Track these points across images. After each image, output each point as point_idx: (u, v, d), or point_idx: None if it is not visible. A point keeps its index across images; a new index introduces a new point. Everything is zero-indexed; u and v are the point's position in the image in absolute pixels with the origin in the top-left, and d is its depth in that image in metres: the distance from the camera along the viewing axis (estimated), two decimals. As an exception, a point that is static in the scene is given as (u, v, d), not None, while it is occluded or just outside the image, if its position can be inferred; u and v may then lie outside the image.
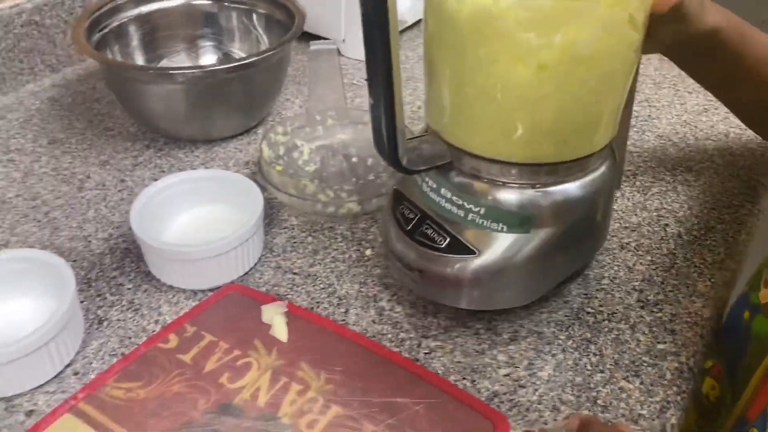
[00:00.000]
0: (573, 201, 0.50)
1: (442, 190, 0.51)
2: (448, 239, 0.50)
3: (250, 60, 0.66)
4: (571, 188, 0.49)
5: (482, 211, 0.49)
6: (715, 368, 0.59)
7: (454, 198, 0.50)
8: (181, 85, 0.67)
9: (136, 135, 0.75)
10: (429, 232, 0.51)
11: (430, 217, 0.51)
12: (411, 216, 0.53)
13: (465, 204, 0.49)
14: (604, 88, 0.45)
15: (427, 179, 0.52)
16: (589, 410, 0.47)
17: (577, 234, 0.51)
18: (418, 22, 1.00)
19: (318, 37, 0.91)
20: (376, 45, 0.42)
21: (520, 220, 0.49)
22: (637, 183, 0.69)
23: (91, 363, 0.51)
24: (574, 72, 0.43)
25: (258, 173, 0.65)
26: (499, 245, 0.49)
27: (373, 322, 0.54)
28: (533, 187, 0.49)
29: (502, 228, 0.49)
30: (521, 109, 0.45)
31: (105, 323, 0.54)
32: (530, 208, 0.49)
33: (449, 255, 0.50)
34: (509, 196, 0.49)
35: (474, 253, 0.49)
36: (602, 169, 0.51)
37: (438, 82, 0.49)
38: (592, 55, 0.43)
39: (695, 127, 0.78)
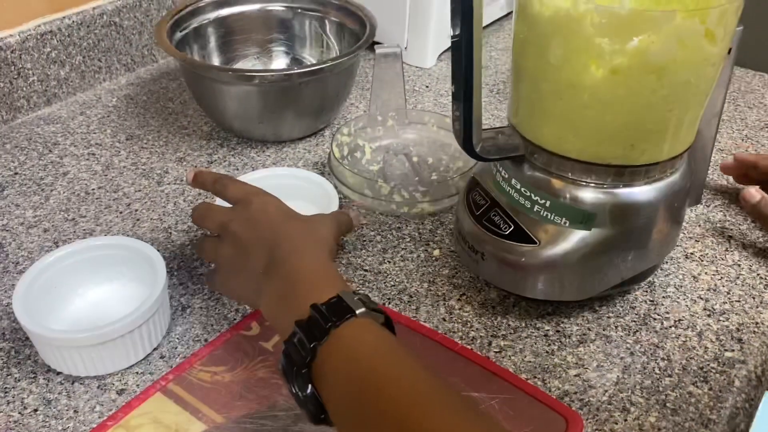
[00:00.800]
0: (637, 205, 0.51)
1: (513, 181, 0.53)
2: (512, 227, 0.53)
3: (324, 66, 0.69)
4: (637, 193, 0.51)
5: (547, 204, 0.51)
6: None
7: (523, 189, 0.52)
8: (257, 87, 0.69)
9: (210, 134, 0.78)
10: (496, 218, 0.54)
11: (499, 205, 0.54)
12: (482, 202, 0.56)
13: (532, 196, 0.52)
14: (676, 98, 0.47)
15: (501, 169, 0.55)
16: (659, 413, 0.49)
17: (639, 238, 0.53)
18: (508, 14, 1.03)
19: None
20: (461, 39, 0.46)
21: (583, 216, 0.51)
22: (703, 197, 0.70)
23: (176, 348, 0.53)
24: (645, 79, 0.45)
25: (330, 174, 0.67)
26: (560, 238, 0.51)
27: (444, 320, 0.56)
28: (599, 186, 0.51)
29: (565, 222, 0.51)
30: (592, 108, 0.47)
31: (188, 310, 0.56)
32: (593, 206, 0.51)
33: (512, 242, 0.52)
34: (575, 192, 0.51)
35: (535, 243, 0.52)
36: (672, 178, 0.52)
37: (519, 78, 0.52)
38: (665, 64, 0.44)
39: (756, 141, 0.78)
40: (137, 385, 0.50)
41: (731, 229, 0.65)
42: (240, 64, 0.82)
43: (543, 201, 0.52)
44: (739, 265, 0.61)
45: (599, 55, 0.45)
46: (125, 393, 0.50)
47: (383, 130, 0.73)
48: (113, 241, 0.56)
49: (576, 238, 0.51)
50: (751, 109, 0.84)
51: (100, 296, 0.55)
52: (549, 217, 0.52)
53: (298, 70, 0.68)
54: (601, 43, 0.44)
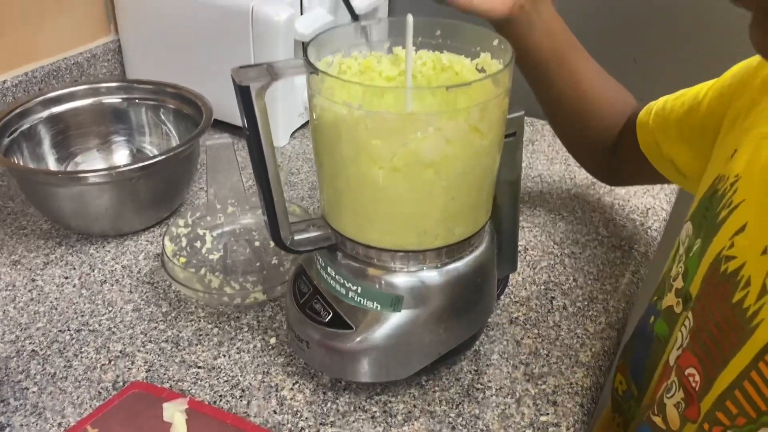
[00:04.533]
0: (440, 285, 0.54)
1: (329, 269, 0.55)
2: (331, 314, 0.55)
3: (157, 159, 0.69)
4: (438, 273, 0.54)
5: (359, 290, 0.54)
6: (623, 366, 0.63)
7: (338, 277, 0.55)
8: (90, 187, 0.69)
9: (48, 232, 0.77)
10: (317, 306, 0.56)
11: (320, 292, 0.56)
12: (306, 290, 0.58)
13: (345, 283, 0.54)
14: (456, 187, 0.50)
15: (319, 258, 0.57)
16: (475, 486, 0.50)
17: (449, 315, 0.55)
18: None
19: (229, 126, 0.95)
20: (251, 137, 0.49)
21: (392, 300, 0.53)
22: (528, 257, 0.74)
23: (-9, 472, 0.51)
24: (423, 174, 0.48)
25: (162, 268, 0.67)
26: (374, 322, 0.54)
27: (274, 412, 0.56)
28: (403, 271, 0.53)
29: (377, 307, 0.54)
30: (381, 202, 0.50)
31: (7, 429, 0.54)
32: (400, 289, 0.53)
33: (331, 329, 0.54)
34: (382, 278, 0.53)
35: (351, 328, 0.54)
36: (473, 255, 0.55)
37: (320, 174, 0.55)
38: (438, 160, 0.48)
39: (583, 200, 0.84)
40: None
41: (554, 290, 0.69)
42: (80, 159, 0.81)
43: (355, 288, 0.54)
44: (559, 326, 0.65)
45: (379, 156, 0.48)
46: None
47: (224, 217, 0.74)
48: None
49: (388, 321, 0.53)
50: (580, 169, 0.90)
51: None
52: (362, 302, 0.54)
53: (129, 167, 0.68)
54: (378, 145, 0.47)
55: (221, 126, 0.96)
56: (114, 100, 0.82)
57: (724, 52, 0.67)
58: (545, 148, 0.96)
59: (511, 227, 0.62)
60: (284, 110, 0.93)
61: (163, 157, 0.70)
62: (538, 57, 0.70)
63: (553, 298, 0.68)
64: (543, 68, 0.71)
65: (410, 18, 0.50)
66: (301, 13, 0.90)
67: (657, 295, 0.60)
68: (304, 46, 0.50)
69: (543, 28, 0.69)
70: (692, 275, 0.49)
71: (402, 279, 0.53)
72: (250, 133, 0.48)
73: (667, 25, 0.96)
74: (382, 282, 0.53)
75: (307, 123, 1.00)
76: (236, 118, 0.96)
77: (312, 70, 0.48)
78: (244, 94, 0.47)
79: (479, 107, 0.47)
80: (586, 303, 0.68)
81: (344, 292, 0.54)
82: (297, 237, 0.55)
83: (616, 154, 0.73)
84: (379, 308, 0.53)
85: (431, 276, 0.53)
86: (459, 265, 0.54)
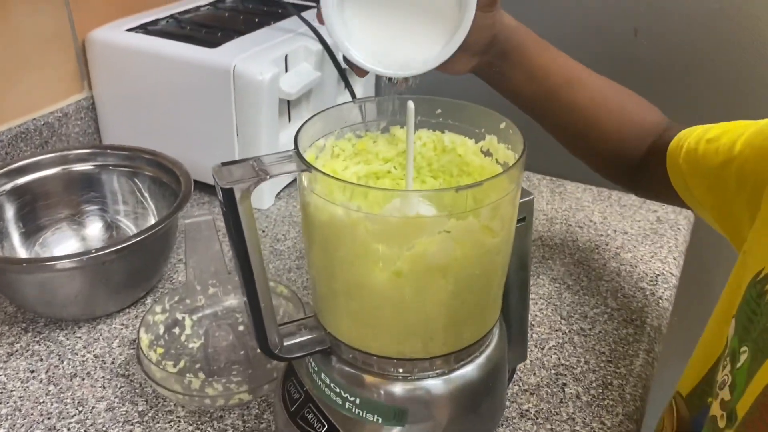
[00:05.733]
0: (449, 394, 0.49)
1: (323, 375, 0.50)
2: (326, 426, 0.49)
3: (131, 242, 0.64)
4: (446, 381, 0.48)
5: (358, 401, 0.48)
6: None
7: (332, 384, 0.49)
8: (59, 273, 0.63)
9: (14, 316, 0.70)
10: (309, 416, 0.50)
11: (312, 399, 0.50)
12: (296, 396, 0.52)
13: (342, 392, 0.49)
14: (466, 290, 0.45)
15: (311, 360, 0.51)
16: None
17: (461, 422, 0.50)
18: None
19: (209, 188, 0.89)
20: (237, 251, 0.44)
21: (395, 413, 0.48)
22: (535, 336, 0.69)
23: None
24: (430, 279, 0.43)
25: (138, 365, 0.61)
26: None
27: None
28: (407, 380, 0.48)
29: (377, 419, 0.48)
30: (383, 308, 0.45)
31: None
32: (404, 401, 0.48)
33: None
34: (383, 387, 0.48)
35: None
36: (482, 357, 0.50)
37: (313, 274, 0.49)
38: (446, 264, 0.43)
39: (588, 266, 0.79)
40: None
41: (565, 375, 0.64)
42: (49, 235, 0.75)
43: (353, 398, 0.48)
44: (574, 419, 0.60)
45: (380, 259, 0.43)
46: None
47: (204, 299, 0.68)
48: None
49: (392, 436, 0.48)
50: (582, 228, 0.86)
51: None
52: (361, 414, 0.48)
53: (99, 253, 0.62)
54: (379, 249, 0.42)
55: (201, 188, 0.91)
56: (84, 167, 0.76)
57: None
58: (543, 205, 0.91)
59: (521, 316, 0.57)
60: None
61: (139, 239, 0.64)
62: (522, 101, 0.67)
63: (564, 384, 0.63)
64: (531, 107, 0.68)
65: (411, 105, 0.45)
66: (286, 71, 0.85)
67: (708, 394, 0.54)
68: (295, 137, 0.45)
69: (520, 77, 0.65)
70: (740, 391, 0.44)
71: (406, 388, 0.48)
72: (234, 238, 0.43)
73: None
74: (383, 392, 0.48)
75: (294, 181, 0.95)
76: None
77: (304, 167, 0.43)
78: (227, 197, 0.41)
79: (489, 207, 0.42)
80: (600, 390, 0.63)
81: (340, 402, 0.49)
82: (287, 342, 0.49)
83: (643, 173, 0.67)
84: (380, 421, 0.48)
85: (438, 384, 0.48)
86: (468, 370, 0.49)
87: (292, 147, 0.44)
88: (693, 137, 0.60)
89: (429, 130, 0.53)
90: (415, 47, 0.51)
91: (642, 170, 0.67)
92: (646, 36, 0.97)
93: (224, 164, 0.43)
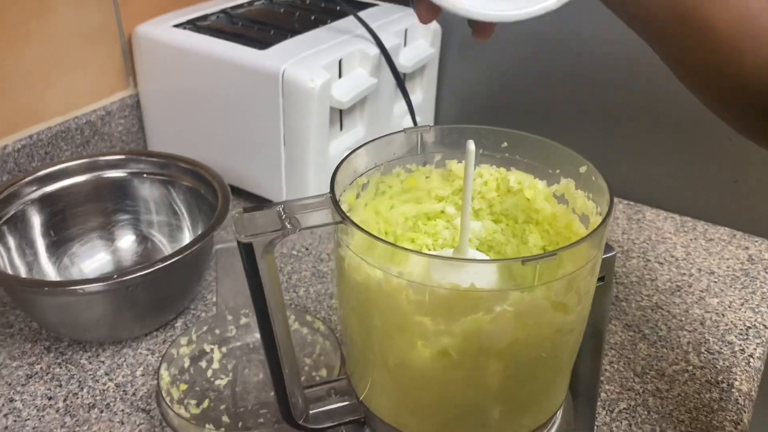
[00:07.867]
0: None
1: None
2: None
3: (158, 267, 0.58)
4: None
5: None
6: None
7: None
8: (80, 297, 0.58)
9: (38, 333, 0.66)
10: None
11: None
12: None
13: None
14: (528, 375, 0.37)
15: (342, 430, 0.44)
16: None
17: None
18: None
19: (258, 198, 0.84)
20: (258, 309, 0.38)
21: None
22: (603, 395, 0.60)
23: None
24: (484, 362, 0.35)
25: (157, 408, 0.56)
26: None
27: None
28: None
29: None
30: (425, 390, 0.38)
31: None
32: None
33: None
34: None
35: None
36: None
37: (345, 330, 0.43)
38: (505, 347, 0.35)
39: (668, 312, 0.70)
40: None
41: (637, 447, 0.56)
42: (78, 245, 0.71)
43: (389, 482, 0.41)
44: (646, 505, 0.51)
45: (423, 335, 0.35)
46: None
47: (236, 330, 0.62)
48: None
49: None
50: (662, 265, 0.76)
51: None
52: (396, 500, 0.41)
53: (126, 278, 0.57)
54: (423, 322, 0.35)
55: (242, 195, 0.85)
56: (115, 174, 0.71)
57: None
58: (619, 235, 0.82)
59: (591, 387, 0.48)
60: (315, 183, 0.81)
61: (167, 263, 0.58)
62: (645, 23, 0.50)
63: (636, 459, 0.55)
64: (661, 28, 0.49)
65: (471, 145, 0.37)
66: (339, 77, 0.78)
67: None
68: (332, 178, 0.38)
69: None
70: None
71: (451, 478, 0.40)
72: (255, 295, 0.36)
73: None
74: (424, 480, 0.40)
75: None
76: (259, 188, 0.85)
77: (340, 217, 0.35)
78: (246, 252, 0.35)
79: (564, 281, 0.34)
80: (678, 470, 0.54)
81: (375, 483, 0.42)
82: (314, 411, 0.42)
83: None
84: None
85: (488, 476, 0.40)
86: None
87: (334, 172, 0.37)
88: None
89: (492, 166, 0.45)
90: None
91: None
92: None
93: (246, 210, 0.36)
